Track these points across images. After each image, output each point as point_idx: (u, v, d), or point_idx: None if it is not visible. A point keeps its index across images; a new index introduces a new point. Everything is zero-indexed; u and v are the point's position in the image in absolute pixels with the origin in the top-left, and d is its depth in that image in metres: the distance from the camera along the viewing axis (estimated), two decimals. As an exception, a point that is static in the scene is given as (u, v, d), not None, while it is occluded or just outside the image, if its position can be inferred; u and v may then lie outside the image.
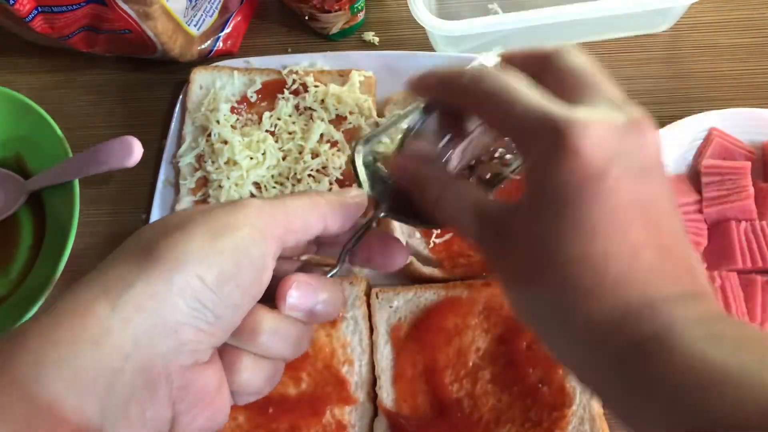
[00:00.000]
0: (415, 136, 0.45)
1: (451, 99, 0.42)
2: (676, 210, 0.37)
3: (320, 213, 0.42)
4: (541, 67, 0.41)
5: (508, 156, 0.48)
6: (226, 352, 0.40)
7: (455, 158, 0.46)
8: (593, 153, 0.34)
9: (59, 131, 0.74)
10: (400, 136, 0.48)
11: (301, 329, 0.42)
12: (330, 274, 0.44)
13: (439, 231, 0.65)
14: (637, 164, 0.35)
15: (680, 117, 0.69)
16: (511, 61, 0.45)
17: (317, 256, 0.49)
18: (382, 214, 0.47)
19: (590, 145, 0.34)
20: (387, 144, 0.50)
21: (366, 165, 0.48)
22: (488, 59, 0.47)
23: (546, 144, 0.35)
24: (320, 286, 0.42)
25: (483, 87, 0.39)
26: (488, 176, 0.48)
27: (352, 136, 0.73)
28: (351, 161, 0.48)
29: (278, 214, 0.40)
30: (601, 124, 0.35)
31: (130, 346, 0.35)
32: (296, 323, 0.42)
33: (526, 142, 0.37)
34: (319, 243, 0.47)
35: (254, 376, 0.41)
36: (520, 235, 0.37)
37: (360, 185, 0.47)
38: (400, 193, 0.47)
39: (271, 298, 0.41)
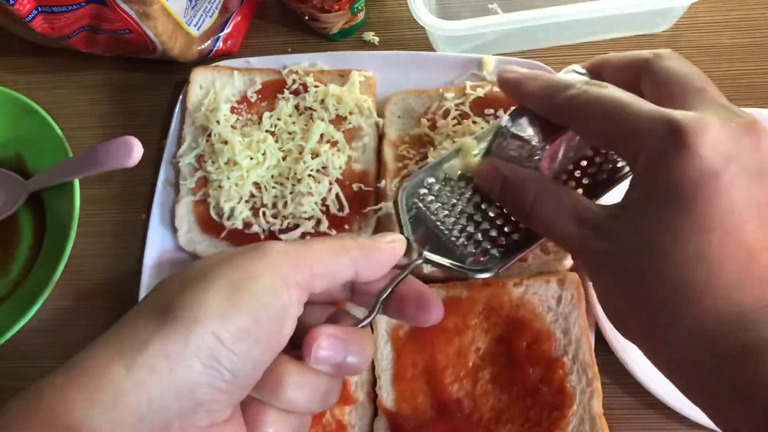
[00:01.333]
0: (502, 140, 0.44)
1: (553, 113, 0.41)
2: None
3: (351, 258, 0.41)
4: (639, 74, 0.41)
5: (602, 163, 0.47)
6: (249, 407, 0.38)
7: (545, 164, 0.45)
8: (711, 151, 0.34)
9: (59, 131, 0.74)
10: (486, 140, 0.47)
11: (329, 382, 0.40)
12: (361, 325, 0.42)
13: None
14: (752, 166, 0.35)
15: (680, 117, 0.69)
16: (603, 68, 0.44)
17: (350, 303, 0.47)
18: (421, 261, 0.45)
19: (708, 143, 0.34)
20: (431, 183, 0.49)
21: (409, 207, 0.48)
22: (577, 67, 0.46)
23: (662, 143, 0.35)
24: (350, 339, 0.39)
25: (589, 100, 0.38)
26: (585, 182, 0.47)
27: (353, 136, 0.73)
28: (394, 202, 0.46)
29: (303, 259, 0.39)
30: (717, 124, 0.35)
31: (144, 409, 0.34)
32: (323, 376, 0.39)
33: (638, 143, 0.36)
34: (353, 289, 0.45)
35: None
36: (628, 234, 0.37)
37: (400, 228, 0.45)
38: (441, 239, 0.46)
39: (299, 345, 0.39)
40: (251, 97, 0.76)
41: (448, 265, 0.47)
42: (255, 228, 0.69)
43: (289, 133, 0.73)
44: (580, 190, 0.45)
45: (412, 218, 0.48)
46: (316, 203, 0.69)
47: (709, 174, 0.34)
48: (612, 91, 0.39)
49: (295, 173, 0.70)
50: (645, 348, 0.38)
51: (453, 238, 0.48)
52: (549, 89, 0.41)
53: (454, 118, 0.71)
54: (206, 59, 0.80)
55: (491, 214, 0.49)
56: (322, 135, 0.71)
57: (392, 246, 0.43)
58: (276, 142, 0.72)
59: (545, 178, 0.43)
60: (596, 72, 0.46)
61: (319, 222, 0.68)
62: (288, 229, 0.68)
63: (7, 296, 0.72)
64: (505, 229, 0.49)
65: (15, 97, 0.77)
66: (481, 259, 0.48)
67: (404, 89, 0.74)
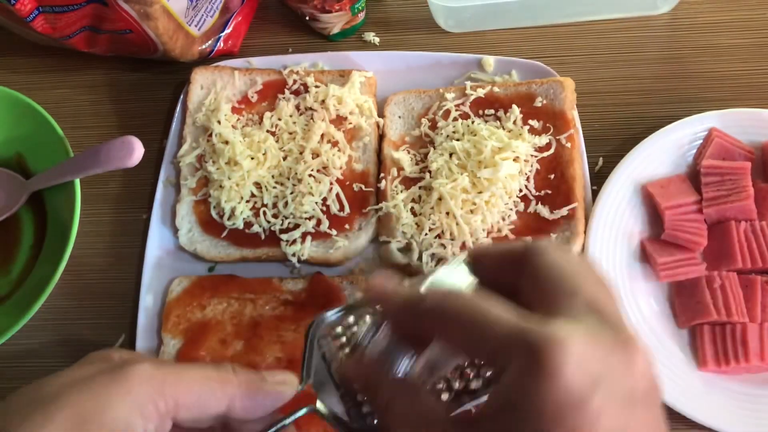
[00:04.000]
0: (370, 340, 0.40)
1: (414, 323, 0.38)
2: None
3: (225, 393, 0.39)
4: (517, 269, 0.37)
5: (471, 373, 0.40)
6: None
7: (416, 371, 0.40)
8: (573, 376, 0.30)
9: (60, 131, 0.74)
10: (354, 338, 0.42)
11: None
12: None
13: None
14: (623, 390, 0.31)
15: (680, 117, 0.69)
16: (481, 261, 0.40)
17: None
18: (306, 412, 0.41)
19: (570, 365, 0.30)
20: (347, 334, 0.43)
21: (320, 345, 0.43)
22: (456, 262, 0.41)
23: (522, 363, 0.31)
24: None
25: (448, 310, 0.35)
26: (452, 395, 0.40)
27: (353, 136, 0.73)
28: (305, 335, 0.42)
29: (169, 386, 0.37)
30: (582, 341, 0.31)
31: None
32: None
33: (500, 361, 0.33)
34: (226, 424, 0.42)
35: None
36: None
37: (303, 368, 0.42)
38: (346, 392, 0.42)
39: None
40: (252, 97, 0.76)
41: (336, 423, 0.42)
42: (255, 228, 0.69)
43: (290, 133, 0.73)
44: (445, 396, 0.39)
45: (319, 360, 0.43)
46: (316, 203, 0.69)
47: (574, 402, 0.30)
48: (468, 303, 0.35)
49: (296, 173, 0.70)
50: None
51: (352, 393, 0.43)
52: (407, 304, 0.38)
53: (454, 118, 0.71)
54: (207, 59, 0.80)
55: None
56: (322, 135, 0.71)
57: (277, 389, 0.41)
58: (277, 142, 0.72)
59: (402, 382, 0.39)
60: (477, 262, 0.41)
61: (319, 222, 0.68)
62: (288, 229, 0.68)
63: (7, 296, 0.72)
64: None
65: (15, 97, 0.77)
66: (375, 422, 0.42)
67: (404, 89, 0.74)
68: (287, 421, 0.41)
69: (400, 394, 0.37)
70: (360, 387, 0.39)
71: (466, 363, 0.40)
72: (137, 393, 0.36)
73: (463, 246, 0.65)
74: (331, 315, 0.43)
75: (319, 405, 0.42)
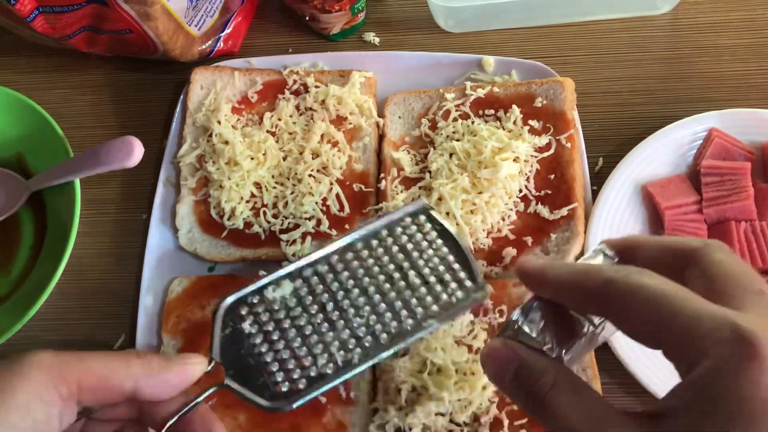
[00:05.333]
0: (513, 336, 0.38)
1: (585, 302, 0.36)
2: None
3: (129, 373, 0.39)
4: (684, 264, 0.37)
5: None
6: None
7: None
8: None
9: (60, 131, 0.74)
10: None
11: None
12: None
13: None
14: None
15: (680, 117, 0.69)
16: (637, 252, 0.39)
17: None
18: (215, 389, 0.43)
19: None
20: (255, 303, 0.47)
21: (225, 324, 0.45)
22: (594, 253, 0.40)
23: (728, 351, 0.31)
24: None
25: (631, 288, 0.34)
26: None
27: (353, 136, 0.73)
28: (212, 315, 0.44)
29: (69, 370, 0.38)
30: None
31: None
32: None
33: (696, 347, 0.32)
34: (141, 407, 0.43)
35: None
36: None
37: (210, 346, 0.44)
38: (251, 364, 0.44)
39: None
40: (252, 97, 0.76)
41: (245, 395, 0.44)
42: (255, 228, 0.69)
43: (290, 134, 0.73)
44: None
45: (228, 337, 0.45)
46: (316, 203, 0.69)
47: None
48: (658, 281, 0.34)
49: (296, 173, 0.70)
50: None
51: (261, 365, 0.45)
52: (579, 274, 0.36)
53: (454, 118, 0.71)
54: (207, 59, 0.80)
55: (309, 341, 0.47)
56: (322, 135, 0.71)
57: (184, 368, 0.41)
58: (277, 142, 0.72)
59: (566, 369, 0.37)
60: (628, 256, 0.40)
61: (319, 222, 0.68)
62: (288, 229, 0.68)
63: (7, 296, 0.72)
64: (318, 360, 0.46)
65: (16, 97, 0.77)
66: (283, 390, 0.45)
67: (404, 89, 0.75)
68: (198, 399, 0.42)
69: (564, 382, 0.35)
70: (509, 377, 0.37)
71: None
72: (36, 379, 0.37)
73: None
74: (236, 294, 0.47)
75: (227, 381, 0.44)
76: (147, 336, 0.68)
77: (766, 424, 0.30)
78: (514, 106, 0.70)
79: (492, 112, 0.71)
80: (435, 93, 0.74)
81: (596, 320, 0.38)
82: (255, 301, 0.48)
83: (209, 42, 0.80)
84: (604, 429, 0.33)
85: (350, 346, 0.47)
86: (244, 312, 0.47)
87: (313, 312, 0.48)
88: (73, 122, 0.79)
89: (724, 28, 0.77)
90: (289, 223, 0.69)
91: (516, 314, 0.39)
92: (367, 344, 0.47)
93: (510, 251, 0.65)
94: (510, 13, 0.77)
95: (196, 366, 0.42)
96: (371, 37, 0.81)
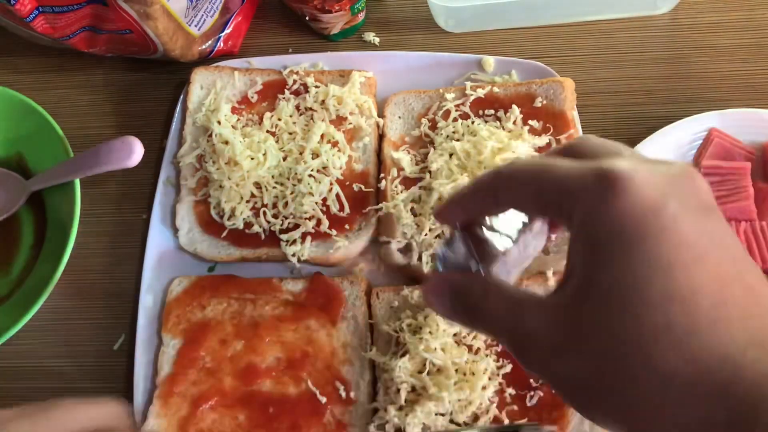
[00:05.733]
0: (440, 265, 0.41)
1: (485, 199, 0.39)
2: (746, 252, 0.34)
3: None
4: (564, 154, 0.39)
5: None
6: None
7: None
8: (645, 188, 0.32)
9: (60, 131, 0.74)
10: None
11: None
12: None
13: None
14: (694, 203, 0.33)
15: (680, 117, 0.69)
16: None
17: None
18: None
19: (641, 182, 0.32)
20: None
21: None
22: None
23: (594, 192, 0.32)
24: None
25: (514, 169, 0.37)
26: None
27: (353, 137, 0.73)
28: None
29: None
30: (646, 168, 0.33)
31: None
32: None
33: (571, 200, 0.34)
34: None
35: None
36: (583, 296, 0.33)
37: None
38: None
39: None
40: (252, 97, 0.76)
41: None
42: (255, 228, 0.69)
43: (290, 134, 0.73)
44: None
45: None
46: (316, 203, 0.69)
47: (651, 210, 0.31)
48: (535, 158, 0.38)
49: (296, 173, 0.70)
50: (634, 427, 0.33)
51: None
52: (476, 183, 0.39)
53: (454, 118, 0.71)
54: (207, 59, 0.80)
55: None
56: (322, 135, 0.71)
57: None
58: (276, 142, 0.72)
59: (493, 280, 0.40)
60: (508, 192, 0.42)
61: (319, 222, 0.68)
62: (288, 229, 0.68)
63: (7, 296, 0.72)
64: None
65: (15, 97, 0.77)
66: None
67: (404, 89, 0.75)
68: None
69: (491, 288, 0.38)
70: (448, 303, 0.39)
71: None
72: None
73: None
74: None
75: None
76: (147, 336, 0.68)
77: (643, 242, 0.31)
78: (514, 106, 0.70)
79: (492, 112, 0.71)
80: (435, 93, 0.74)
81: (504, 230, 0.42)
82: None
83: (209, 42, 0.80)
84: (521, 316, 0.35)
85: None
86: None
87: None
88: (73, 122, 0.79)
89: (723, 28, 0.77)
90: (289, 223, 0.69)
91: (439, 248, 0.42)
92: None
93: None
94: (510, 13, 0.77)
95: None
96: (371, 37, 0.81)
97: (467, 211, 0.40)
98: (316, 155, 0.71)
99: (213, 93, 0.75)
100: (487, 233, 0.41)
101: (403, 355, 0.60)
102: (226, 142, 0.71)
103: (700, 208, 0.33)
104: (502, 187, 0.37)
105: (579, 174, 0.33)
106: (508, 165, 0.37)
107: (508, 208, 0.39)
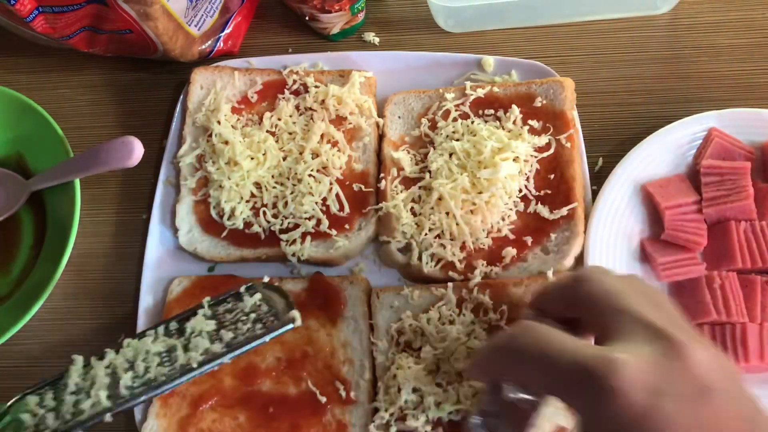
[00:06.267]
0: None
1: (494, 374, 0.42)
2: (749, 418, 0.34)
3: None
4: (572, 302, 0.42)
5: None
6: None
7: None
8: (635, 391, 0.33)
9: (60, 131, 0.74)
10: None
11: None
12: None
13: None
14: (687, 390, 0.33)
15: (679, 117, 0.69)
16: (543, 303, 0.45)
17: None
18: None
19: (629, 383, 0.33)
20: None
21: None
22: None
23: (588, 393, 0.34)
24: None
25: (519, 349, 0.39)
26: None
27: (353, 136, 0.73)
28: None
29: None
30: (636, 360, 0.34)
31: None
32: None
33: (572, 396, 0.36)
34: None
35: None
36: None
37: None
38: None
39: None
40: (252, 97, 0.76)
41: None
42: (255, 228, 0.69)
43: (290, 134, 0.73)
44: None
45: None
46: (316, 203, 0.69)
47: (640, 414, 0.33)
48: (539, 333, 0.38)
49: (296, 173, 0.70)
50: None
51: None
52: (486, 357, 0.43)
53: (454, 118, 0.71)
54: (207, 59, 0.80)
55: None
56: (322, 135, 0.71)
57: None
58: (276, 142, 0.72)
59: None
60: (539, 308, 0.46)
61: (319, 222, 0.68)
62: (288, 229, 0.68)
63: (7, 296, 0.72)
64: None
65: (15, 97, 0.77)
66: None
67: (404, 89, 0.75)
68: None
69: None
70: None
71: None
72: None
73: (463, 246, 0.65)
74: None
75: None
76: (147, 336, 0.68)
77: None
78: (514, 106, 0.70)
79: (492, 112, 0.71)
80: (435, 93, 0.74)
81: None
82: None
83: (209, 42, 0.80)
84: None
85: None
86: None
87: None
88: (73, 122, 0.79)
89: (723, 28, 0.77)
90: (289, 223, 0.69)
91: (476, 419, 0.45)
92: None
93: (510, 251, 0.65)
94: (510, 13, 0.77)
95: None
96: (371, 37, 0.81)
97: (489, 374, 0.43)
98: (316, 155, 0.71)
99: (213, 93, 0.75)
100: (513, 394, 0.42)
101: (403, 349, 0.60)
102: (226, 142, 0.71)
103: (695, 395, 0.33)
104: (515, 369, 0.40)
105: (577, 370, 0.35)
106: (516, 338, 0.39)
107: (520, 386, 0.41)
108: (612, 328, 0.37)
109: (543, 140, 0.68)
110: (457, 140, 0.69)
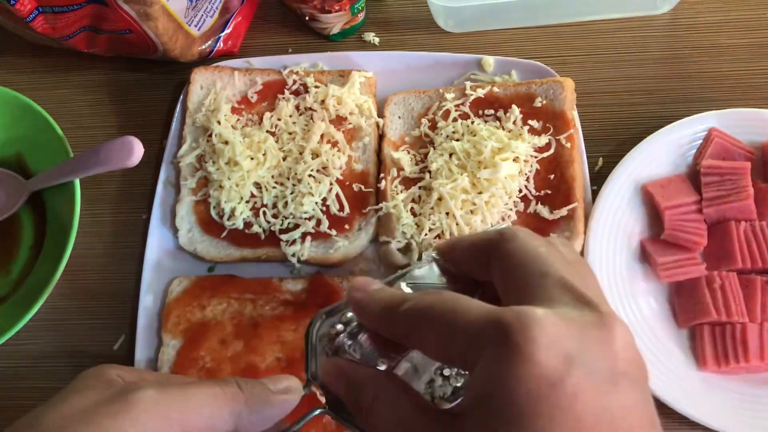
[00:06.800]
0: (351, 340, 0.39)
1: (395, 334, 0.37)
2: (653, 423, 0.31)
3: (232, 412, 0.37)
4: (487, 258, 0.37)
5: (451, 372, 0.41)
6: None
7: (402, 372, 0.40)
8: (547, 355, 0.29)
9: (60, 131, 0.74)
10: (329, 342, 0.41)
11: None
12: None
13: None
14: (603, 368, 0.30)
15: (680, 117, 0.69)
16: (454, 250, 0.40)
17: None
18: (317, 413, 0.40)
19: (543, 345, 0.29)
20: (351, 318, 0.41)
21: (321, 341, 0.41)
22: (425, 261, 0.41)
23: (492, 352, 0.30)
24: None
25: (422, 311, 0.34)
26: (442, 395, 0.40)
27: (353, 137, 0.73)
28: (306, 333, 0.41)
29: (176, 410, 0.36)
30: (554, 320, 0.30)
31: None
32: None
33: (473, 353, 0.31)
34: None
35: None
36: None
37: (307, 364, 0.41)
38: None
39: None
40: (252, 97, 0.76)
41: (344, 422, 0.41)
42: (255, 228, 0.69)
43: (290, 134, 0.73)
44: (427, 397, 0.40)
45: (323, 355, 0.41)
46: (316, 203, 0.69)
47: (548, 383, 0.29)
48: (444, 297, 0.34)
49: (296, 173, 0.70)
50: None
51: None
52: (387, 307, 0.37)
53: (454, 118, 0.71)
54: (207, 59, 0.80)
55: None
56: (322, 135, 0.71)
57: (284, 399, 0.39)
58: (276, 142, 0.72)
59: (390, 379, 0.37)
60: (448, 254, 0.41)
61: (319, 222, 0.68)
62: (288, 229, 0.68)
63: (7, 296, 0.72)
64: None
65: (15, 97, 0.77)
66: None
67: (404, 89, 0.75)
68: (296, 427, 0.40)
69: (384, 394, 0.36)
70: (341, 389, 0.38)
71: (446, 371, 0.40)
72: (144, 422, 0.35)
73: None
74: (328, 311, 0.41)
75: (327, 406, 0.41)
76: (147, 336, 0.68)
77: (535, 420, 0.29)
78: (514, 106, 0.70)
79: (492, 112, 0.71)
80: (435, 93, 0.74)
81: None
82: (348, 317, 0.42)
83: (209, 42, 0.80)
84: (419, 425, 0.34)
85: None
86: (339, 328, 0.42)
87: None
88: (73, 122, 0.79)
89: (723, 28, 0.77)
90: (289, 223, 0.69)
91: (344, 337, 0.40)
92: None
93: None
94: (510, 13, 0.77)
95: (295, 395, 0.40)
96: (371, 37, 0.81)
97: (380, 329, 0.38)
98: (316, 155, 0.71)
99: (213, 93, 0.75)
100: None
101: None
102: (226, 142, 0.71)
103: (607, 378, 0.30)
104: (412, 331, 0.35)
105: (484, 324, 0.31)
106: (419, 301, 0.35)
107: (420, 350, 0.37)
108: (534, 295, 0.32)
109: (543, 140, 0.68)
110: (457, 140, 0.69)
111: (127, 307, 0.71)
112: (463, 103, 0.72)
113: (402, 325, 0.36)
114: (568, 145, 0.68)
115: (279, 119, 0.73)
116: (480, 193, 0.66)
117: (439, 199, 0.66)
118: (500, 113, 0.71)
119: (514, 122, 0.69)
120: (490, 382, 0.30)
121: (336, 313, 0.41)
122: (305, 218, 0.68)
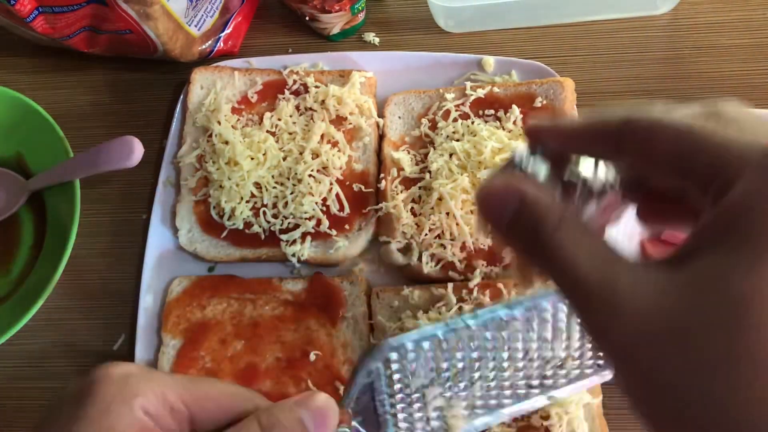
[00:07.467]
0: (520, 167, 0.33)
1: (604, 142, 0.32)
2: None
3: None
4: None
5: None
6: None
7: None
8: None
9: (60, 131, 0.74)
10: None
11: None
12: None
13: None
14: None
15: (680, 117, 0.69)
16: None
17: None
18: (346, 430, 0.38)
19: None
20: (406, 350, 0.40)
21: (369, 373, 0.39)
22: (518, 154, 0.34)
23: (761, 173, 0.26)
24: None
25: (654, 123, 0.29)
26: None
27: (353, 137, 0.73)
28: (359, 359, 0.39)
29: (194, 395, 0.35)
30: None
31: None
32: None
33: (728, 172, 0.27)
34: None
35: None
36: (700, 288, 0.26)
37: (346, 394, 0.39)
38: (381, 415, 0.40)
39: None
40: (252, 97, 0.76)
41: None
42: (255, 228, 0.69)
43: (290, 134, 0.73)
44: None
45: (365, 384, 0.40)
46: (316, 203, 0.69)
47: None
48: (681, 114, 0.29)
49: (296, 173, 0.70)
50: None
51: (392, 418, 0.41)
52: (597, 121, 0.31)
53: (454, 118, 0.71)
54: (207, 59, 0.80)
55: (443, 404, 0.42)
56: (322, 135, 0.71)
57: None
58: (276, 142, 0.72)
59: (574, 210, 0.32)
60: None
61: (319, 222, 0.68)
62: (288, 229, 0.68)
63: (7, 296, 0.72)
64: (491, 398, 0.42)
65: (15, 97, 0.77)
66: None
67: (404, 89, 0.75)
68: None
69: (576, 219, 0.30)
70: (508, 215, 0.31)
71: None
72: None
73: (464, 246, 0.65)
74: (395, 342, 0.38)
75: (356, 424, 0.39)
76: (147, 336, 0.68)
77: None
78: (514, 106, 0.70)
79: (492, 112, 0.71)
80: (435, 93, 0.74)
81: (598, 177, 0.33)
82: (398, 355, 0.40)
83: (209, 42, 0.80)
84: (616, 274, 0.27)
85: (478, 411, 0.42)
86: (394, 357, 0.40)
87: (451, 374, 0.41)
88: (73, 122, 0.79)
89: (723, 28, 0.77)
90: (289, 223, 0.69)
91: (520, 153, 0.33)
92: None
93: (510, 251, 0.64)
94: (510, 13, 0.77)
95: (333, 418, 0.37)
96: (371, 37, 0.81)
97: (569, 142, 0.32)
98: (316, 155, 0.71)
99: (213, 93, 0.75)
100: (575, 176, 0.33)
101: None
102: (226, 142, 0.71)
103: None
104: (632, 135, 0.30)
105: (745, 148, 0.27)
106: (647, 115, 0.30)
107: (626, 160, 0.31)
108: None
109: (543, 140, 0.68)
110: (458, 140, 0.69)
111: (127, 307, 0.71)
112: (463, 104, 0.72)
113: (623, 132, 0.30)
114: (568, 145, 0.68)
115: (279, 119, 0.73)
116: (480, 193, 0.66)
117: (440, 199, 0.66)
118: (500, 113, 0.71)
119: (515, 122, 0.69)
120: (756, 210, 0.26)
121: (401, 342, 0.39)
122: (305, 218, 0.68)
